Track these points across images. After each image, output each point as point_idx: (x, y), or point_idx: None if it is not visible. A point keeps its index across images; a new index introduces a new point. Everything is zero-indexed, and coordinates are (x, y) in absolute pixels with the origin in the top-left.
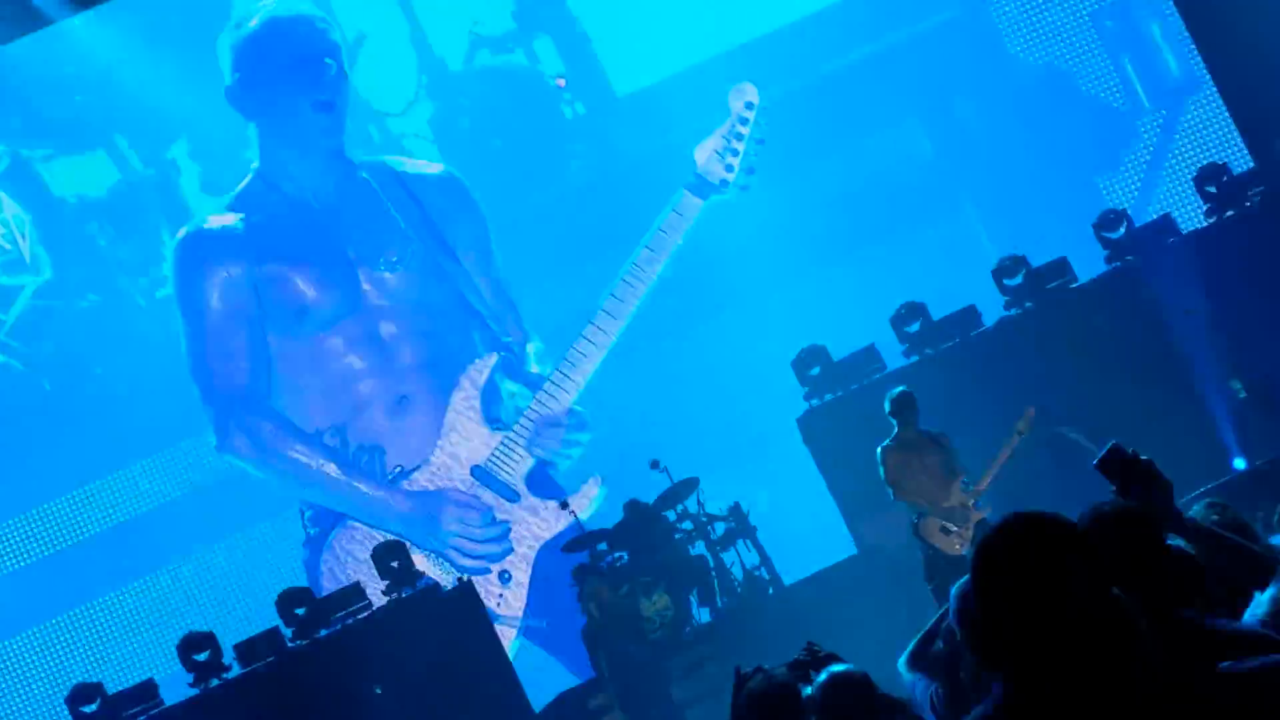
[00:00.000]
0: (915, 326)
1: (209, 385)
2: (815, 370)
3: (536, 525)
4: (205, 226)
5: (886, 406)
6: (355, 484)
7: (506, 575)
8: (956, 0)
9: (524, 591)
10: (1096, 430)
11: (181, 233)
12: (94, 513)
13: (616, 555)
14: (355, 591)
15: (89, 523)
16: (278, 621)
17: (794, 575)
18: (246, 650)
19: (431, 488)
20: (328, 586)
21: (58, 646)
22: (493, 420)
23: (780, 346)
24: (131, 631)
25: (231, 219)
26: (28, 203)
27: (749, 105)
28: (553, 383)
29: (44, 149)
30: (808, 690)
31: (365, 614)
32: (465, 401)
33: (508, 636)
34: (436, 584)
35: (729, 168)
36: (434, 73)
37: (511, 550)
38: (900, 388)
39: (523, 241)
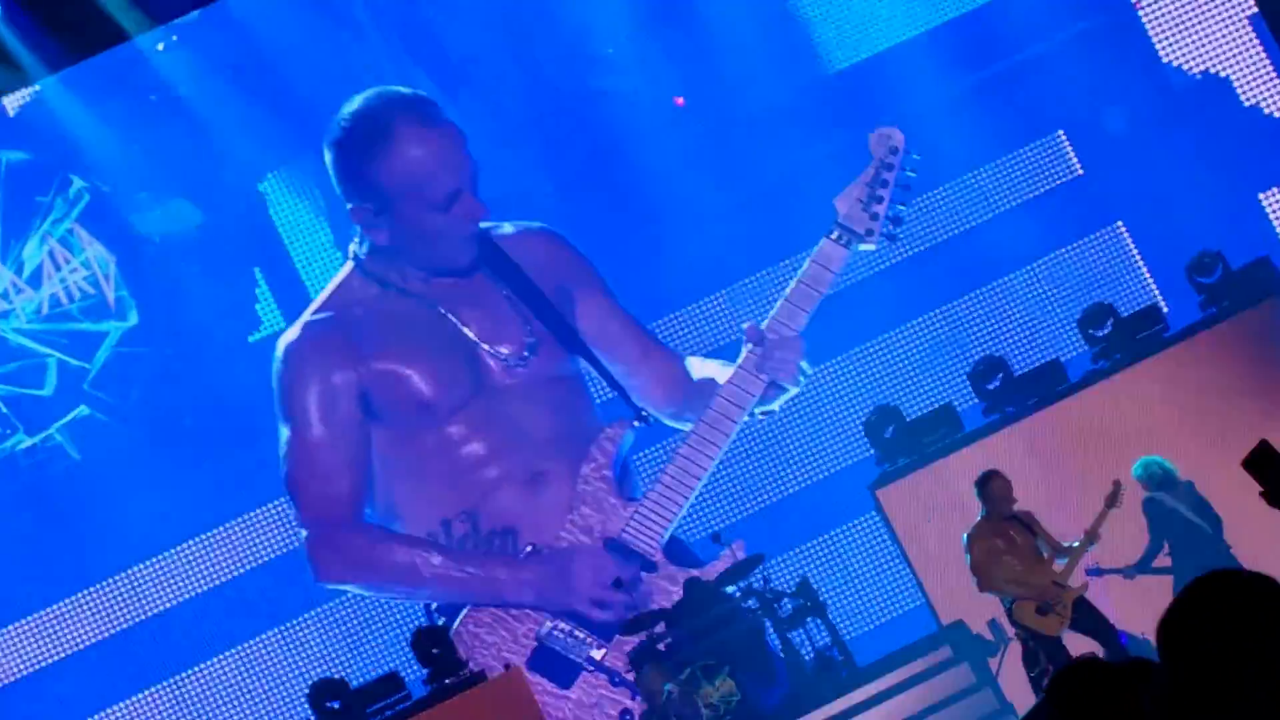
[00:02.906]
0: (995, 383)
1: (301, 505)
2: (888, 432)
3: (676, 594)
4: (306, 333)
5: (975, 491)
6: (467, 569)
7: None
8: (1103, 5)
9: None
10: (1198, 496)
11: (282, 342)
12: (187, 575)
13: (674, 637)
14: (392, 681)
15: (183, 587)
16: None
17: (869, 655)
18: None
19: None
20: None
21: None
22: (625, 491)
23: (856, 406)
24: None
25: (333, 318)
26: (110, 242)
27: (893, 150)
28: (690, 445)
29: (125, 184)
30: None
31: (404, 705)
32: (596, 473)
33: None
34: (482, 672)
35: (874, 216)
36: None
37: (638, 607)
38: (988, 470)
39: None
